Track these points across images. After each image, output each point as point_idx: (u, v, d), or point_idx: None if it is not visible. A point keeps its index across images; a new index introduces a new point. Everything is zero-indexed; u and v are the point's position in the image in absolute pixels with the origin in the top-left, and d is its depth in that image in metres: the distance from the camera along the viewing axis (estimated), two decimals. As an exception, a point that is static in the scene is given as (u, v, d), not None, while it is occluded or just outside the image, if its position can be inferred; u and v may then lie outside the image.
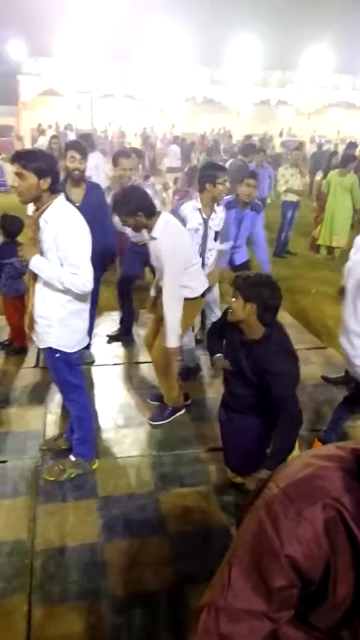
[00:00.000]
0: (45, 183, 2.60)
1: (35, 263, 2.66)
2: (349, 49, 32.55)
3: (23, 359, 4.57)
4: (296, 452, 2.71)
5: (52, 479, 3.08)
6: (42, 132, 21.58)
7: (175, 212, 3.89)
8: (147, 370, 4.47)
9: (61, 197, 2.72)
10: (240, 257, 5.00)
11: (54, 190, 2.67)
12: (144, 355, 4.74)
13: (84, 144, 4.14)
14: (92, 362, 4.53)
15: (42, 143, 15.12)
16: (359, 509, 0.99)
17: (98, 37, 28.68)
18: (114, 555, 2.60)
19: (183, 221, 3.85)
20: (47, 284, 2.73)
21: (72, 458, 3.14)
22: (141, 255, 4.72)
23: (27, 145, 23.56)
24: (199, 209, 3.98)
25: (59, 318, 2.80)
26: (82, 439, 3.14)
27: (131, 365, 4.62)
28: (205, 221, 4.03)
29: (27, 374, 4.34)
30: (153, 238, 3.29)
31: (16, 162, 2.58)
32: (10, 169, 15.12)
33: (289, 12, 33.86)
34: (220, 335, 2.97)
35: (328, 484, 1.00)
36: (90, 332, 4.60)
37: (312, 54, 33.66)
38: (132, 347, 4.93)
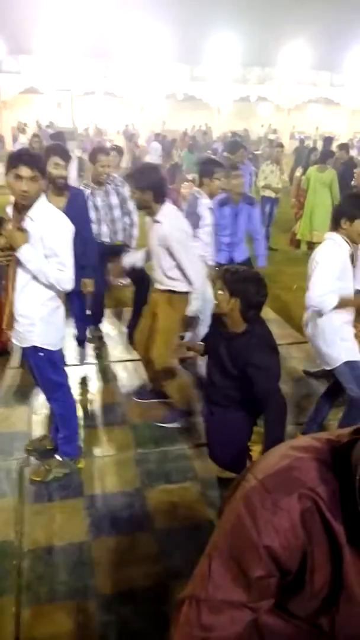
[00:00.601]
0: (44, 184, 2.70)
1: (25, 252, 2.65)
2: (326, 46, 32.70)
3: (7, 359, 4.55)
4: None
5: (39, 479, 3.09)
6: (22, 130, 21.38)
7: (192, 212, 3.98)
8: (130, 368, 4.48)
9: (44, 196, 2.75)
10: (239, 255, 4.97)
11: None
12: (127, 353, 4.75)
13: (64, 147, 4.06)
14: (85, 362, 4.49)
15: (23, 142, 14.99)
16: (334, 500, 1.02)
17: (77, 34, 28.44)
18: (102, 553, 2.61)
19: (199, 220, 4.01)
20: (30, 282, 2.73)
21: (58, 458, 3.15)
22: (110, 256, 4.74)
23: (8, 144, 23.32)
24: (210, 208, 4.10)
25: (41, 316, 2.81)
26: (67, 438, 3.15)
27: (112, 363, 4.62)
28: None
29: (12, 375, 4.32)
30: (156, 221, 3.33)
31: (33, 166, 2.55)
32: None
33: (267, 9, 34.01)
34: None
35: (304, 475, 1.03)
36: (84, 329, 4.59)
37: (291, 50, 33.72)
38: (110, 345, 4.92)
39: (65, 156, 3.81)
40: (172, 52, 31.09)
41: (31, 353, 2.90)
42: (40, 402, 3.87)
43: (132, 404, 3.94)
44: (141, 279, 4.98)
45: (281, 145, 9.01)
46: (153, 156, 16.08)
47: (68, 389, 3.11)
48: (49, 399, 3.14)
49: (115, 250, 4.72)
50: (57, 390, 3.04)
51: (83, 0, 30.34)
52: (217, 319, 2.80)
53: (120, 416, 3.81)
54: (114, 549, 2.64)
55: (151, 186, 3.24)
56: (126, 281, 6.23)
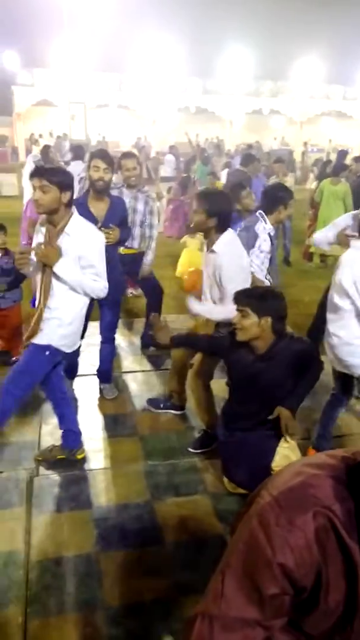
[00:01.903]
0: (66, 197, 2.81)
1: (61, 267, 2.83)
2: (338, 60, 32.92)
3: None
4: (295, 457, 2.75)
5: (40, 458, 3.33)
6: (35, 142, 21.61)
7: (249, 229, 3.83)
8: (139, 379, 4.48)
9: (75, 212, 2.92)
10: None
11: (70, 204, 2.87)
12: (137, 364, 4.75)
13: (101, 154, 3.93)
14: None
15: (36, 153, 15.14)
16: (349, 518, 1.00)
17: (91, 47, 28.89)
18: (110, 565, 2.59)
19: (254, 239, 3.81)
20: (69, 291, 2.90)
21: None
22: (122, 264, 4.75)
23: (22, 155, 23.63)
24: (270, 234, 3.86)
25: (70, 321, 2.98)
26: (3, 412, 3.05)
27: (122, 374, 4.61)
28: (273, 243, 3.93)
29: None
30: (212, 251, 3.18)
31: (40, 177, 2.74)
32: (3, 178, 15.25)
33: (279, 24, 34.31)
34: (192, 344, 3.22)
35: (319, 492, 1.02)
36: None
37: (303, 64, 34.05)
38: (121, 356, 4.92)
39: (107, 159, 3.68)
40: (185, 65, 31.47)
41: (38, 349, 2.96)
42: (50, 412, 3.86)
43: (142, 415, 3.93)
44: (152, 288, 4.99)
45: (280, 160, 9.04)
46: (167, 168, 16.16)
47: (33, 383, 3.08)
48: (7, 387, 2.98)
49: (131, 258, 4.73)
50: (23, 380, 2.99)
51: (97, 15, 30.84)
52: (244, 346, 2.76)
53: (129, 427, 3.80)
54: (122, 562, 2.62)
55: (219, 214, 3.11)
56: (137, 292, 6.26)
